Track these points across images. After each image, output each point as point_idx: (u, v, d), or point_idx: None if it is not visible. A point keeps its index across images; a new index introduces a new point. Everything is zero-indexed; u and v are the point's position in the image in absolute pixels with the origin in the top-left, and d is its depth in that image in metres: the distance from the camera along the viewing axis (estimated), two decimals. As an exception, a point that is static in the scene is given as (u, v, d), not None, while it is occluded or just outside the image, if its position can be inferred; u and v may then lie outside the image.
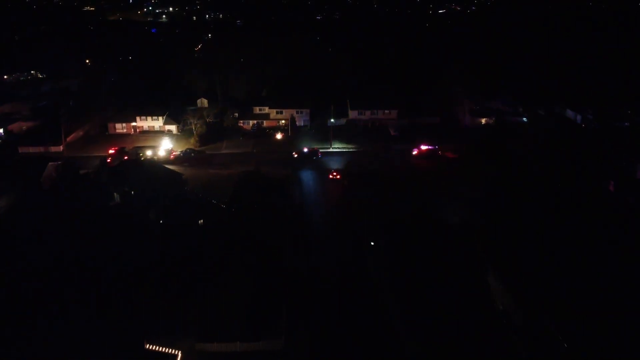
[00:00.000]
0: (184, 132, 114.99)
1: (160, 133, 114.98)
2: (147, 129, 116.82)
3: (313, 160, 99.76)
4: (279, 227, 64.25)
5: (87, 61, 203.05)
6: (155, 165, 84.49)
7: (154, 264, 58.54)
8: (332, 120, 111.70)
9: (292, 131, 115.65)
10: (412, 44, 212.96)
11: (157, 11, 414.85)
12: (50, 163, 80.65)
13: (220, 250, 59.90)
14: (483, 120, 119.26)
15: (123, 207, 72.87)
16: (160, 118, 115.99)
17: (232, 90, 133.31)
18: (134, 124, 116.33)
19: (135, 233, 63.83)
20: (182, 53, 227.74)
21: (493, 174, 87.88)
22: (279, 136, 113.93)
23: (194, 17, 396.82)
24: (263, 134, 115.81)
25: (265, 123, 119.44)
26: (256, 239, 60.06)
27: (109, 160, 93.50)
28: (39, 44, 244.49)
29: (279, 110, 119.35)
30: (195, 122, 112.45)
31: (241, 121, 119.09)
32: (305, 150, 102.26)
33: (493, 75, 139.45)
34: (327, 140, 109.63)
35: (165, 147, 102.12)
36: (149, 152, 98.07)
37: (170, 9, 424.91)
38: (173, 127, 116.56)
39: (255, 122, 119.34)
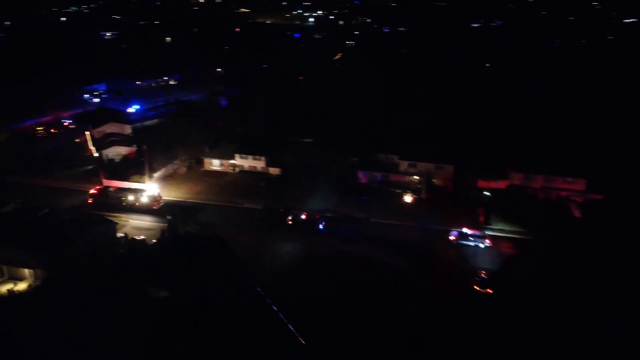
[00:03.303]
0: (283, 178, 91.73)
1: (262, 175, 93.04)
2: (248, 169, 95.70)
3: (319, 233, 71.69)
4: None
5: (219, 69, 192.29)
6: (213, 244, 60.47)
7: None
8: (486, 192, 77.88)
9: (426, 193, 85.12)
10: (598, 68, 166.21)
11: (305, 14, 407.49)
12: (95, 227, 61.67)
13: None
14: None
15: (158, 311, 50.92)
16: (263, 158, 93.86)
17: (354, 124, 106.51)
18: (232, 161, 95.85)
19: None
20: (317, 63, 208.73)
21: None
22: (408, 198, 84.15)
23: (341, 22, 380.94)
24: (387, 193, 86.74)
25: (391, 177, 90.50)
26: None
27: (89, 201, 78.69)
28: (181, 47, 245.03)
29: (411, 162, 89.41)
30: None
31: (360, 172, 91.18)
32: (303, 217, 73.72)
33: None
34: (476, 213, 76.95)
35: (150, 193, 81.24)
36: (130, 197, 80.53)
37: (319, 12, 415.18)
38: (276, 171, 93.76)
39: (379, 174, 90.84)
